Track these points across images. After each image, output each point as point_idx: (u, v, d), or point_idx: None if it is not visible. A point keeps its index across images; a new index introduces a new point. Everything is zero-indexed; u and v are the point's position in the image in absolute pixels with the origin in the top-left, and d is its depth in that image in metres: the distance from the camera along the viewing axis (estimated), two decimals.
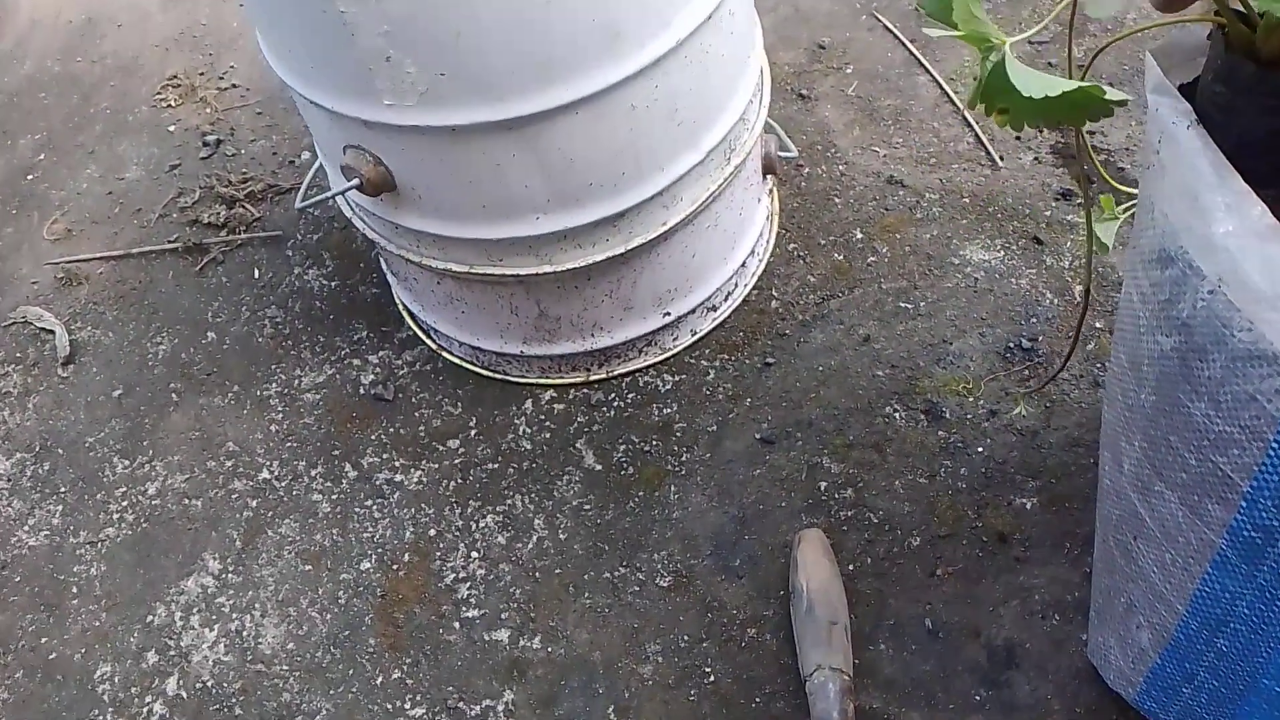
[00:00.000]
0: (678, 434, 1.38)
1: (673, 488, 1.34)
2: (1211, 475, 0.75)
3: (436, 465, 1.41)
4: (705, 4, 1.09)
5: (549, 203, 1.16)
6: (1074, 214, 1.51)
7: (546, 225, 1.19)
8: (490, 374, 1.48)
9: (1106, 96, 0.72)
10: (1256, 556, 0.75)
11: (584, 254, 1.24)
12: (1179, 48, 0.79)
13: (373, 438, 1.46)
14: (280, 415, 1.51)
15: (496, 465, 1.40)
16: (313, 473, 1.44)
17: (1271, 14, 0.68)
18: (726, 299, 1.48)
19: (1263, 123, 0.72)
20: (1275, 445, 0.67)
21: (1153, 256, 0.78)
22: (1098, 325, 1.38)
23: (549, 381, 1.45)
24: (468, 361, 1.50)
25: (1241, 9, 0.71)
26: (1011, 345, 1.38)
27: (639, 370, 1.45)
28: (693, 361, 1.46)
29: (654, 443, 1.38)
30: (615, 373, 1.44)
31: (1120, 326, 0.89)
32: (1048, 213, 1.52)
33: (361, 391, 1.51)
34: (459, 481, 1.40)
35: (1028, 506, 1.23)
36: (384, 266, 1.59)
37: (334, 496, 1.41)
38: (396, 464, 1.43)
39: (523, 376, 1.46)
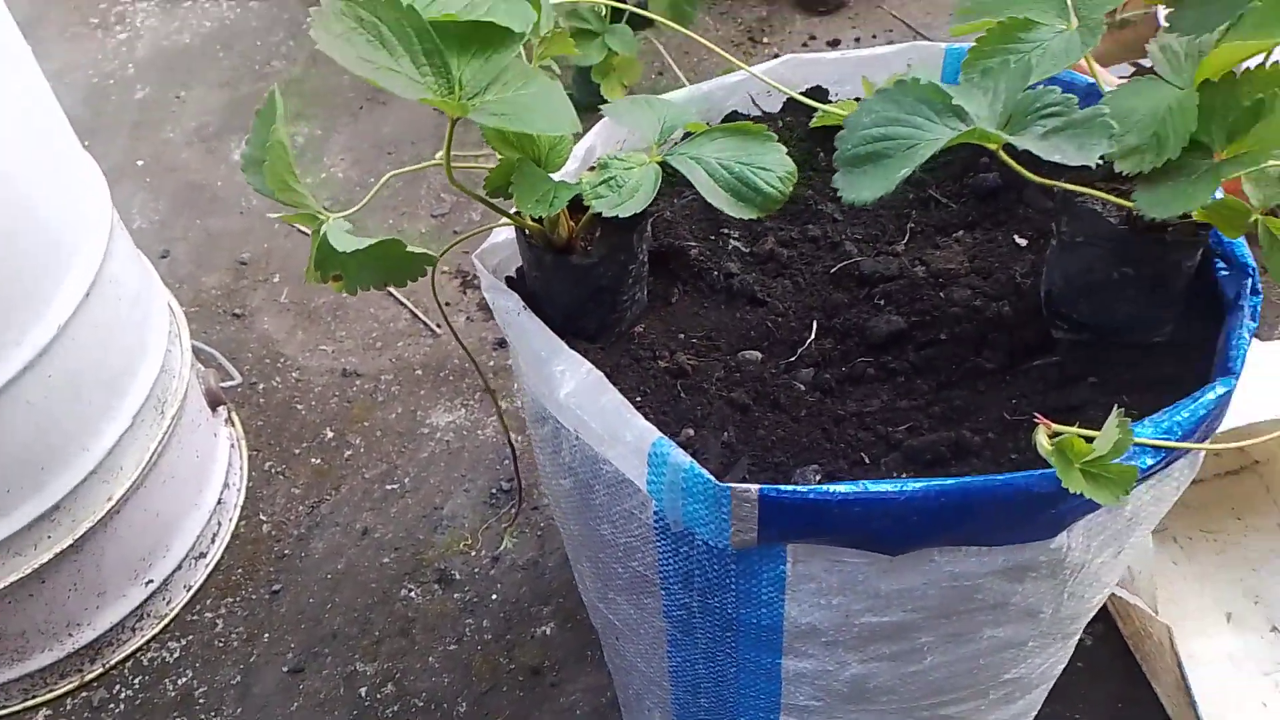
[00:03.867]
0: (200, 701, 1.31)
1: None
2: (635, 577, 0.90)
3: None
4: (79, 286, 1.08)
5: None
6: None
7: None
8: None
9: (411, 250, 0.79)
10: (689, 629, 0.91)
11: (26, 560, 1.15)
12: (500, 246, 0.95)
13: None
14: None
15: None
16: None
17: (549, 218, 0.85)
18: (213, 540, 1.45)
19: (575, 292, 0.89)
20: (658, 545, 0.83)
21: (535, 416, 0.92)
22: None
23: (38, 701, 1.30)
24: None
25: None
26: (494, 491, 1.51)
27: (139, 649, 1.36)
28: (196, 617, 1.39)
29: None
30: (113, 662, 1.33)
31: (540, 470, 1.03)
32: (491, 362, 1.69)
33: None
34: None
35: (548, 632, 1.34)
36: None
37: None
38: None
39: (4, 707, 1.30)
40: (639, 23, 1.86)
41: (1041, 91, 0.69)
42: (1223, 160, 0.69)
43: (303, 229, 1.80)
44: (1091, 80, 0.90)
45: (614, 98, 1.92)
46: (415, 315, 1.76)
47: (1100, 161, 0.71)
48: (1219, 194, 0.83)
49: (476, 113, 0.68)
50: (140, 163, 2.15)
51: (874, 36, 2.24)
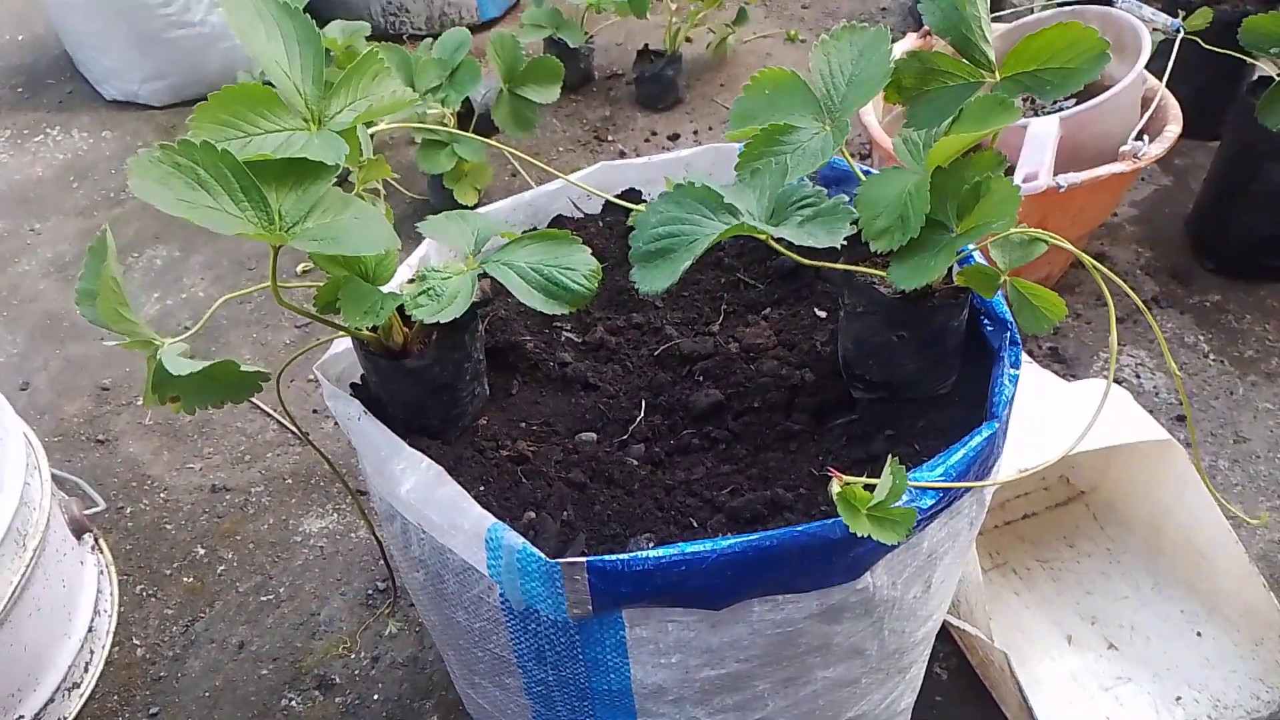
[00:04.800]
0: None
1: None
2: (494, 659, 0.94)
3: None
4: None
5: None
6: None
7: None
8: None
9: (244, 369, 0.83)
10: (550, 703, 0.95)
11: None
12: (343, 355, 1.00)
13: None
14: None
15: None
16: None
17: (383, 326, 0.91)
18: (86, 669, 1.42)
19: (414, 393, 0.94)
20: (509, 625, 0.88)
21: (385, 515, 0.97)
22: None
23: None
24: None
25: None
26: (370, 592, 1.53)
27: None
28: None
29: None
30: None
31: (397, 567, 1.07)
32: (361, 464, 1.71)
33: None
34: None
35: None
36: None
37: None
38: None
39: None
40: (486, 130, 1.96)
41: (797, 187, 0.79)
42: (958, 235, 0.80)
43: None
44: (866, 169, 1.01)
45: (468, 201, 2.01)
46: (283, 425, 1.78)
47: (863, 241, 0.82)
48: (977, 259, 0.95)
49: (297, 240, 0.74)
50: None
51: (710, 128, 2.40)
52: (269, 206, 0.74)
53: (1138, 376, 1.81)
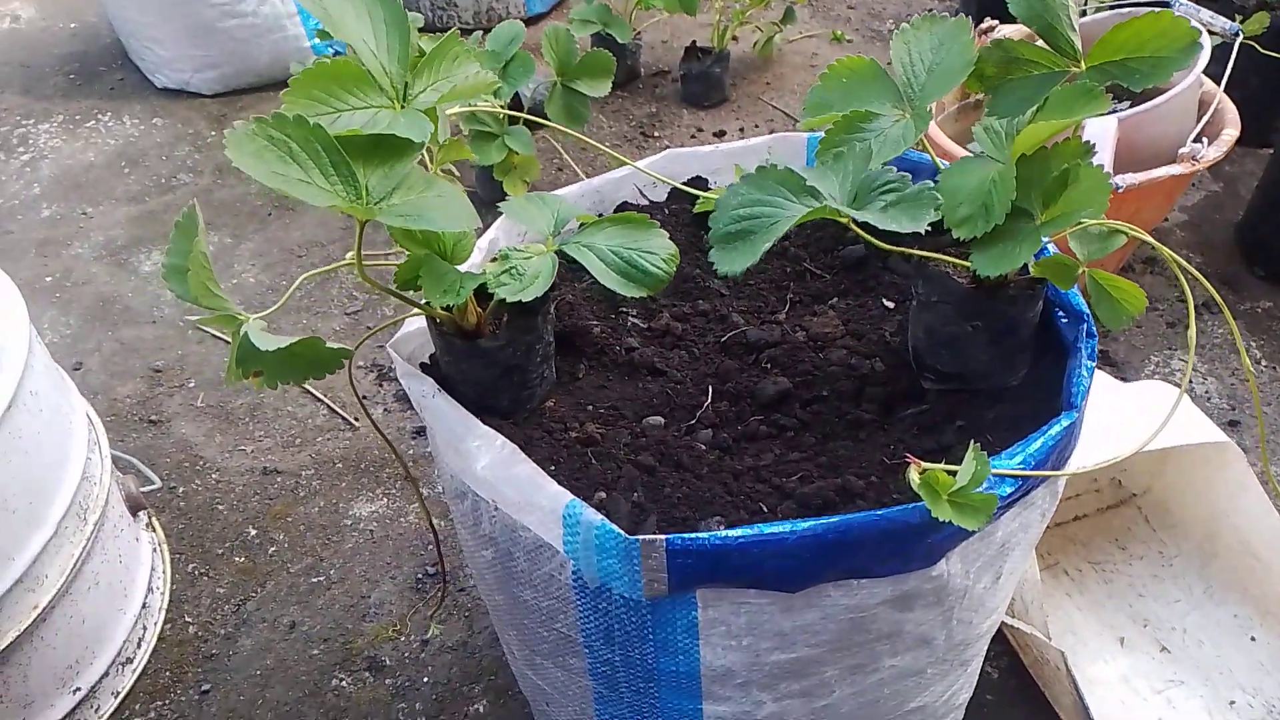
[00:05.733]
0: None
1: None
2: (560, 639, 0.95)
3: None
4: (1, 398, 1.10)
5: None
6: None
7: None
8: None
9: (328, 346, 0.85)
10: (614, 684, 0.96)
11: None
12: (413, 334, 1.01)
13: None
14: None
15: None
16: None
17: (457, 305, 0.91)
18: (139, 645, 1.44)
19: (486, 373, 0.95)
20: (579, 604, 0.88)
21: (454, 493, 0.98)
22: None
23: None
24: None
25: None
26: (420, 576, 1.54)
27: None
28: None
29: None
30: None
31: (462, 546, 1.08)
32: (410, 450, 1.73)
33: None
34: None
35: (481, 710, 1.37)
36: None
37: None
38: None
39: None
40: (536, 123, 1.96)
41: (881, 171, 0.79)
42: (1042, 223, 0.80)
43: (217, 334, 1.84)
44: (942, 160, 1.01)
45: (516, 194, 2.01)
46: (333, 410, 1.80)
47: (938, 230, 0.82)
48: (1052, 250, 0.95)
49: (383, 215, 0.75)
50: (49, 279, 2.16)
51: (756, 126, 2.40)
52: (357, 182, 0.75)
53: (1189, 381, 1.79)
